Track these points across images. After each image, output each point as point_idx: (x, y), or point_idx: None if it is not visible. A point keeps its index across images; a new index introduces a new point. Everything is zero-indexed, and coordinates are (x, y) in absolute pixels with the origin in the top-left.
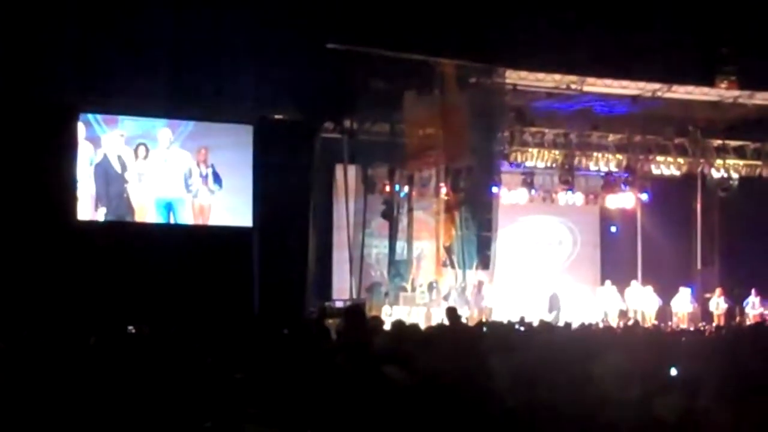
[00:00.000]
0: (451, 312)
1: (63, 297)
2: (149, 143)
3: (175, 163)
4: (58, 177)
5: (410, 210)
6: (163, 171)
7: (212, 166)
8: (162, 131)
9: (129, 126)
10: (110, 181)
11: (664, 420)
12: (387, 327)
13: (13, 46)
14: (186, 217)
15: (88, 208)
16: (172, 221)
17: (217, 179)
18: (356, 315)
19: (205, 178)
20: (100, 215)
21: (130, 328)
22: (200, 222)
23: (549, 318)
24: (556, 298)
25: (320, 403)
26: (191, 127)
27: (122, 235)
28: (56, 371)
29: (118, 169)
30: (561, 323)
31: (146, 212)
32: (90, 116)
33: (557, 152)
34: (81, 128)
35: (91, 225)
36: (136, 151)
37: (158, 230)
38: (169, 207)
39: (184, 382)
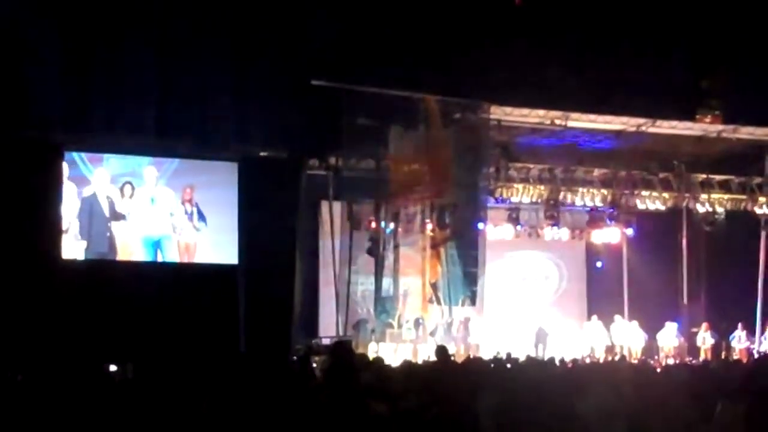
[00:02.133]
0: (441, 351)
1: (48, 336)
2: (135, 181)
3: (162, 201)
4: (43, 215)
5: (396, 246)
6: (151, 209)
7: (197, 204)
8: (148, 169)
9: (114, 164)
10: (94, 219)
11: None
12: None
13: None
14: (172, 255)
15: (72, 247)
16: (159, 259)
17: (202, 217)
18: (343, 352)
19: (190, 215)
20: (80, 250)
21: (114, 367)
22: (186, 260)
23: (535, 352)
24: (542, 332)
25: None
26: (176, 164)
27: (108, 273)
28: (43, 411)
29: (105, 207)
30: (547, 357)
31: (131, 251)
32: (75, 155)
33: (542, 188)
34: (65, 167)
35: (76, 263)
36: (122, 189)
37: (144, 268)
38: (156, 245)
39: (171, 423)
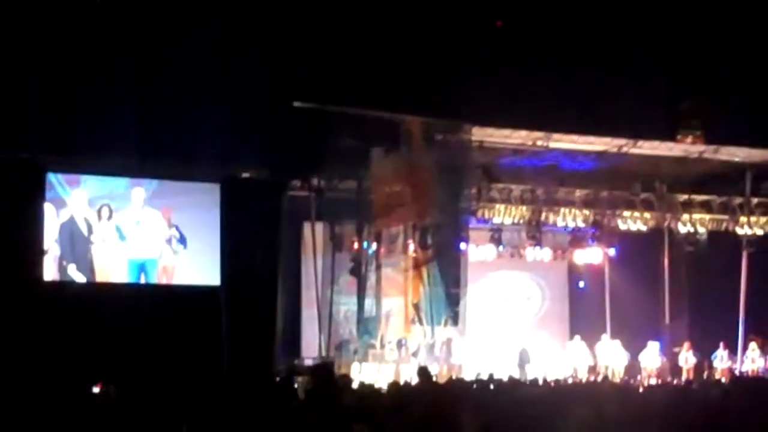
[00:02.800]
0: (423, 371)
1: (29, 357)
2: (114, 204)
3: (148, 223)
4: (24, 237)
5: (378, 267)
6: (137, 231)
7: (176, 226)
8: (135, 191)
9: (92, 186)
10: (75, 242)
11: None
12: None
13: None
14: (155, 277)
15: (52, 269)
16: (142, 281)
17: (182, 239)
18: (324, 373)
19: (168, 239)
20: (70, 274)
21: (96, 389)
22: (164, 281)
23: (518, 373)
24: (525, 353)
25: None
26: (155, 186)
27: (89, 295)
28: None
29: (83, 229)
30: (530, 378)
31: (110, 273)
32: (52, 177)
33: (524, 208)
34: None
35: (57, 285)
36: (99, 212)
37: (126, 290)
38: (141, 267)
39: None
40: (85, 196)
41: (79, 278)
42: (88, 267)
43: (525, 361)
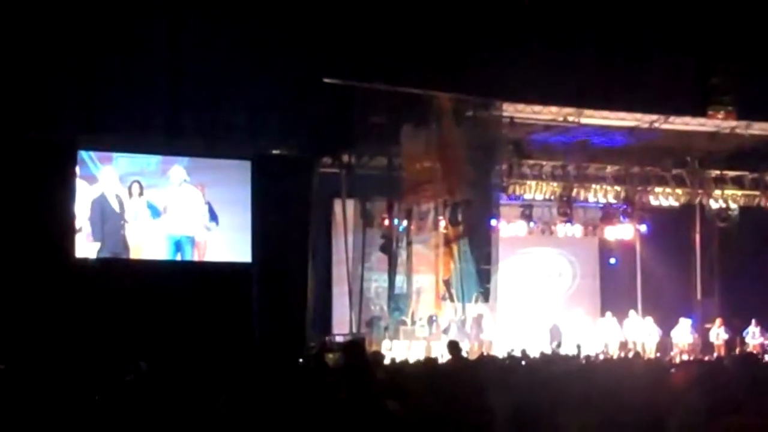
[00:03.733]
0: (453, 346)
1: (61, 334)
2: (144, 180)
3: (187, 200)
4: (56, 215)
5: (409, 244)
6: (176, 208)
7: (209, 203)
8: (175, 168)
9: (123, 163)
10: (107, 218)
11: None
12: (387, 361)
13: (10, 83)
14: (188, 253)
15: (85, 246)
16: (179, 258)
17: (213, 216)
18: (356, 350)
19: (202, 216)
20: (93, 251)
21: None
22: (196, 258)
23: (550, 349)
24: (557, 329)
25: None
26: (186, 163)
27: (120, 272)
28: (57, 407)
29: (115, 206)
30: (561, 354)
31: (142, 249)
32: (84, 154)
33: (555, 184)
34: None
35: (89, 262)
36: (129, 188)
37: (157, 267)
38: (179, 244)
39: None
40: (116, 173)
41: (109, 255)
42: (121, 243)
43: (556, 337)
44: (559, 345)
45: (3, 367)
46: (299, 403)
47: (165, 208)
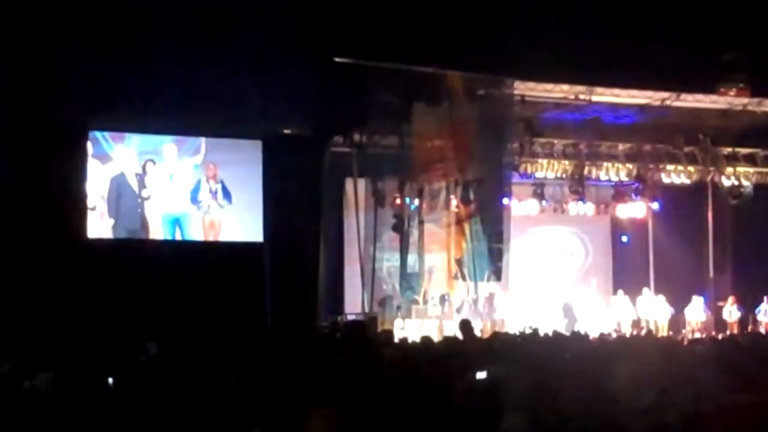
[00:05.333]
0: (465, 325)
1: (74, 314)
2: (156, 159)
3: (181, 178)
4: (68, 194)
5: (421, 223)
6: (170, 186)
7: (222, 181)
8: (167, 146)
9: (136, 142)
10: (124, 196)
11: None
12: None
13: (22, 62)
14: (195, 233)
15: (98, 225)
16: (178, 237)
17: (227, 195)
18: (357, 331)
19: (214, 193)
20: (108, 230)
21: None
22: (211, 238)
23: (563, 327)
24: (569, 308)
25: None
26: (199, 142)
27: (132, 251)
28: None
29: (134, 185)
30: (575, 332)
31: (157, 228)
32: (98, 134)
33: (567, 163)
34: (88, 146)
35: (102, 242)
36: (144, 167)
37: (169, 246)
38: (175, 222)
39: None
40: (132, 152)
41: (130, 234)
42: (138, 221)
43: (569, 315)
44: (572, 323)
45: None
46: (311, 381)
47: (162, 186)
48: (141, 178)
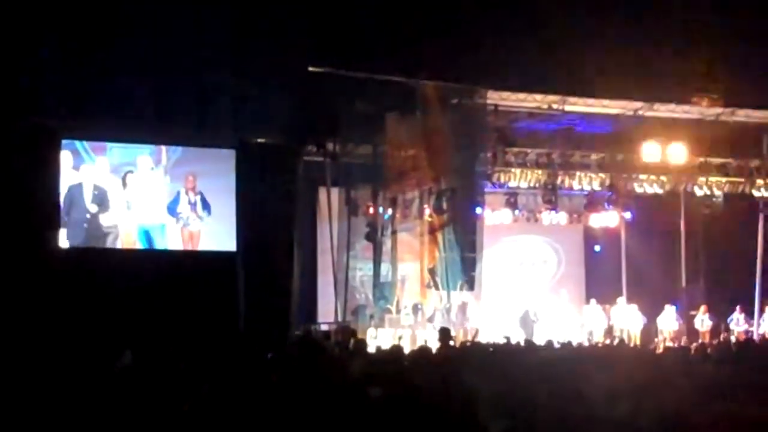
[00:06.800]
0: (444, 333)
1: (46, 324)
2: (134, 169)
3: (156, 189)
4: (39, 203)
5: (394, 232)
6: (144, 197)
7: (200, 193)
8: (141, 158)
9: (116, 154)
10: (73, 206)
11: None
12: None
13: None
14: (173, 243)
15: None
16: (152, 247)
17: (206, 205)
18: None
19: (194, 205)
20: (63, 241)
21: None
22: (189, 248)
23: (523, 336)
24: (526, 317)
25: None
26: (179, 153)
27: (107, 261)
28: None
29: (87, 195)
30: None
31: (133, 239)
32: (77, 144)
33: (540, 172)
34: (68, 157)
35: (72, 252)
36: (124, 179)
37: (143, 257)
38: (149, 234)
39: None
40: (108, 164)
41: (78, 243)
42: (82, 235)
43: (526, 326)
44: (530, 334)
45: None
46: (283, 391)
47: (136, 198)
48: (103, 190)
